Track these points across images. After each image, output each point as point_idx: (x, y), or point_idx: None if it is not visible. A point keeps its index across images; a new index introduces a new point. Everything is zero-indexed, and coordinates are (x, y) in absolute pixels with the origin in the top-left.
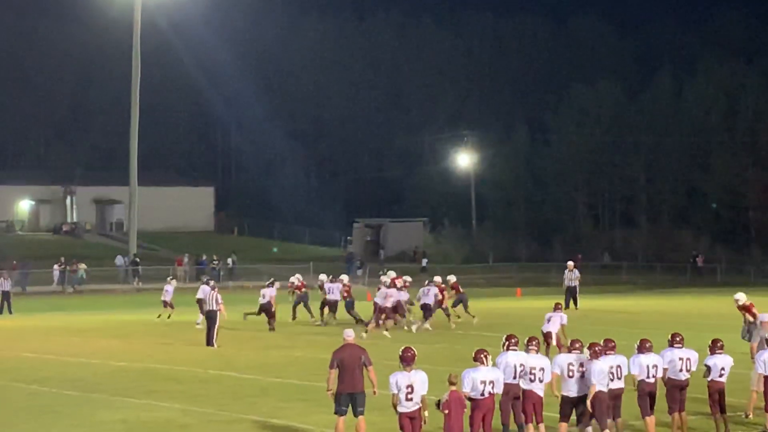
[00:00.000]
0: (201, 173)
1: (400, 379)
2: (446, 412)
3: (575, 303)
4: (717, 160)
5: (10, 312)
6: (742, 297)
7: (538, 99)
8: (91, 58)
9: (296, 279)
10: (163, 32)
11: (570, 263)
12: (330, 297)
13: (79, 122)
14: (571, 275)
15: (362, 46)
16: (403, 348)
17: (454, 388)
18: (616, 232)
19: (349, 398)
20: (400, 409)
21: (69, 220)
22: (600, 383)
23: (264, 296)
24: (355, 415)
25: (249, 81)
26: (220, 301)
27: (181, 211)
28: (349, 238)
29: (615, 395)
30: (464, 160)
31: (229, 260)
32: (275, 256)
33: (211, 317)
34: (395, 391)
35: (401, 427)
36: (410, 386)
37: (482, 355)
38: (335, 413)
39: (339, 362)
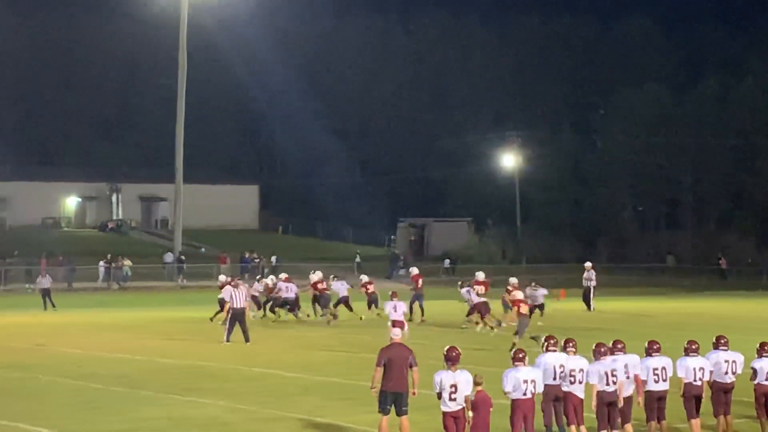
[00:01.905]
0: (246, 171)
1: (445, 378)
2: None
3: (588, 304)
4: (763, 163)
5: (53, 306)
6: None
7: (584, 100)
8: (137, 56)
9: (316, 276)
10: (209, 30)
11: (587, 264)
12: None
13: (125, 120)
14: (588, 275)
15: (408, 46)
16: (448, 347)
17: (480, 388)
18: (661, 234)
19: (393, 397)
20: (443, 408)
21: (114, 217)
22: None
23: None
24: (399, 414)
25: (294, 79)
26: (247, 298)
27: (226, 209)
28: (393, 237)
29: (660, 397)
30: (509, 160)
31: (273, 258)
32: (319, 255)
33: (236, 315)
34: (438, 390)
35: (445, 427)
36: (454, 386)
37: (521, 355)
38: (379, 412)
39: (387, 360)
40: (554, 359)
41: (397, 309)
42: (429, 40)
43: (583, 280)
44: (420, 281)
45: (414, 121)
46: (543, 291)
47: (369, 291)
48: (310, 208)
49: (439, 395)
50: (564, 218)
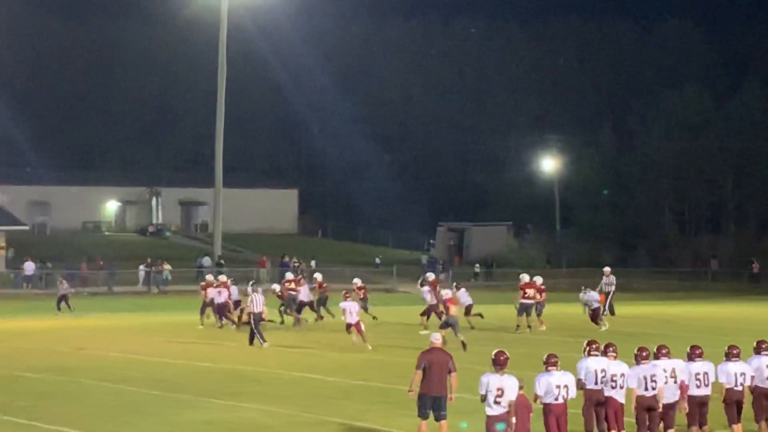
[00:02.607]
0: (285, 176)
1: (492, 380)
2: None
3: (611, 310)
4: None
5: (70, 309)
6: None
7: (624, 103)
8: (177, 60)
9: (319, 276)
10: (249, 34)
11: (606, 269)
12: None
13: (165, 124)
14: (607, 281)
15: (447, 50)
16: (496, 351)
17: (521, 392)
18: (702, 238)
19: (432, 401)
20: (488, 411)
21: (154, 221)
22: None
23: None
24: (437, 419)
25: (334, 83)
26: (263, 303)
27: (265, 213)
28: (432, 241)
29: (702, 402)
30: (548, 164)
31: (312, 262)
32: (357, 259)
33: (256, 319)
34: (483, 392)
35: (488, 430)
36: (501, 389)
37: (554, 360)
38: (418, 416)
39: (427, 364)
40: (596, 364)
41: (352, 312)
42: (468, 43)
43: (603, 286)
44: (438, 287)
45: (453, 125)
46: (594, 295)
47: (362, 296)
48: (350, 212)
49: (483, 398)
50: (604, 222)
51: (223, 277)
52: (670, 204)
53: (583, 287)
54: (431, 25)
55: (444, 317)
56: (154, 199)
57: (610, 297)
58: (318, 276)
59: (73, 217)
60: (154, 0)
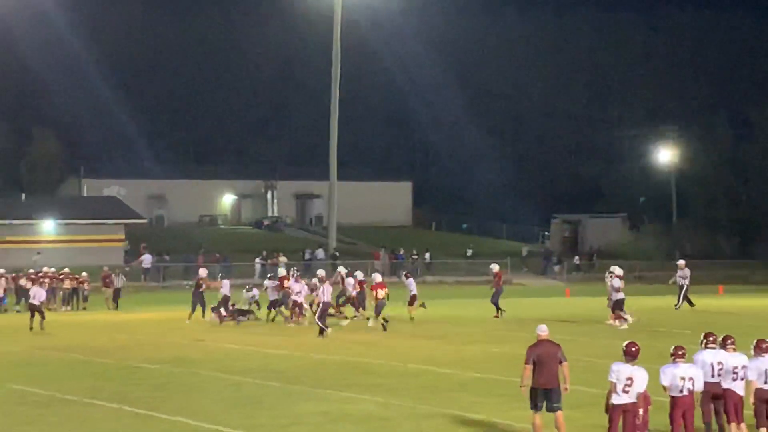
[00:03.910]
0: (399, 168)
1: (623, 369)
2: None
3: (689, 301)
4: None
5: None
6: None
7: (741, 93)
8: (292, 55)
9: (341, 270)
10: (363, 28)
11: (681, 262)
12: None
13: (280, 118)
14: (682, 273)
15: (561, 43)
16: (627, 342)
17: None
18: None
19: (544, 394)
20: (614, 400)
21: (270, 214)
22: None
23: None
24: (551, 410)
25: (447, 77)
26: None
27: (379, 206)
28: (546, 234)
29: None
30: (664, 155)
31: (426, 255)
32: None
33: (324, 309)
34: (614, 380)
35: (610, 419)
36: (630, 379)
37: (680, 352)
38: (531, 409)
39: (536, 358)
40: (712, 356)
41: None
42: (581, 36)
43: (678, 279)
44: (500, 278)
45: (568, 117)
46: (616, 283)
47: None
48: (464, 204)
49: (613, 386)
50: (722, 213)
51: (282, 271)
52: None
53: (608, 272)
54: (544, 17)
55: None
56: (269, 192)
57: (685, 290)
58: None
59: (189, 210)
60: None
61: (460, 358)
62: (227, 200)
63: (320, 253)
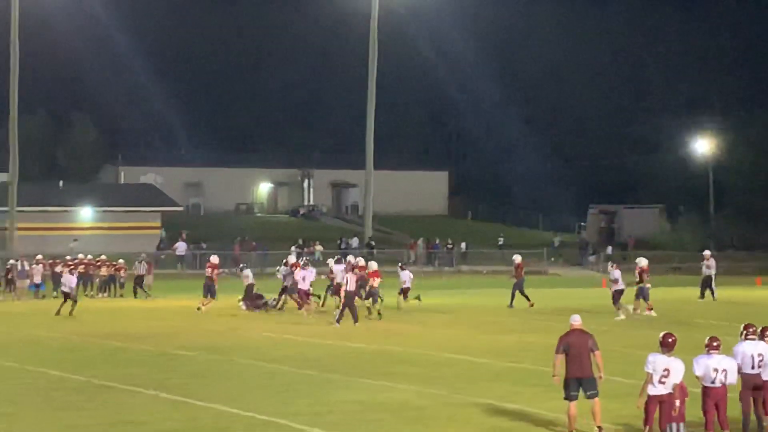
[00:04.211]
0: (436, 158)
1: (659, 360)
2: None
3: (703, 292)
4: None
5: (145, 293)
6: None
7: None
8: (328, 43)
9: (353, 259)
10: (400, 16)
11: (706, 252)
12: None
13: (316, 106)
14: (708, 264)
15: (600, 32)
16: (664, 333)
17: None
18: None
19: (578, 383)
20: (650, 391)
21: (306, 202)
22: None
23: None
24: (588, 397)
25: (485, 65)
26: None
27: (416, 195)
28: (583, 224)
29: None
30: (702, 145)
31: (463, 245)
32: (507, 242)
33: (349, 297)
34: (650, 371)
35: (646, 410)
36: (667, 370)
37: (715, 343)
38: (565, 399)
39: (566, 347)
40: (752, 348)
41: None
42: (621, 24)
43: (704, 269)
44: (521, 270)
45: (606, 106)
46: (616, 273)
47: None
48: (500, 194)
49: (649, 377)
50: (760, 205)
51: (292, 258)
52: None
53: (611, 263)
54: (583, 5)
55: (368, 288)
56: (305, 180)
57: (711, 280)
58: (351, 258)
59: (225, 198)
60: None
61: (495, 347)
62: (263, 188)
63: (355, 241)
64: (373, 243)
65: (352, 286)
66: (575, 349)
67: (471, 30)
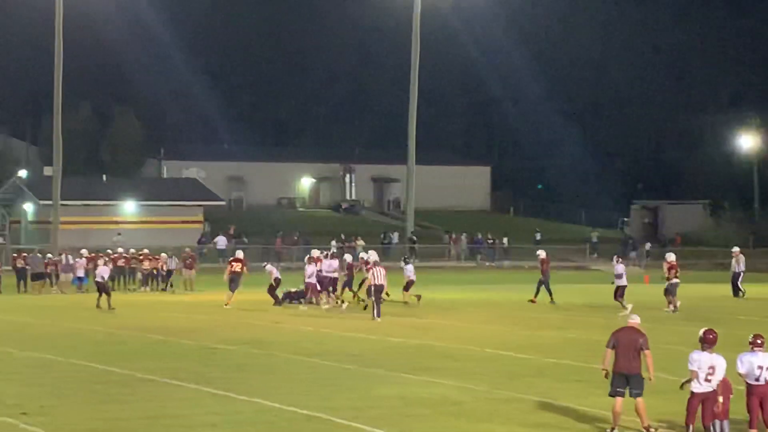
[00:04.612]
0: (478, 152)
1: (704, 358)
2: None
3: (735, 290)
4: None
5: (171, 286)
6: None
7: None
8: (370, 38)
9: (366, 255)
10: (442, 11)
11: (735, 249)
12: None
13: (358, 101)
14: (736, 260)
15: (642, 26)
16: (705, 330)
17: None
18: None
19: (624, 379)
20: (695, 389)
21: (348, 197)
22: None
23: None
24: (632, 395)
25: (527, 60)
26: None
27: (458, 190)
28: (626, 219)
29: None
30: (747, 141)
31: (504, 240)
32: (549, 237)
33: (377, 291)
34: (695, 369)
35: (689, 408)
36: (712, 367)
37: (759, 341)
38: (610, 395)
39: (615, 342)
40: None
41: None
42: (664, 20)
43: (733, 266)
44: (546, 265)
45: (649, 101)
46: (619, 268)
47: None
48: (543, 189)
49: (695, 376)
50: None
51: (316, 252)
52: None
53: (615, 256)
54: (626, 1)
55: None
56: (347, 175)
57: (740, 278)
58: (348, 257)
59: (267, 192)
60: None
61: (536, 343)
62: (305, 183)
63: (395, 237)
64: (415, 238)
65: (380, 280)
66: (623, 345)
67: (513, 25)
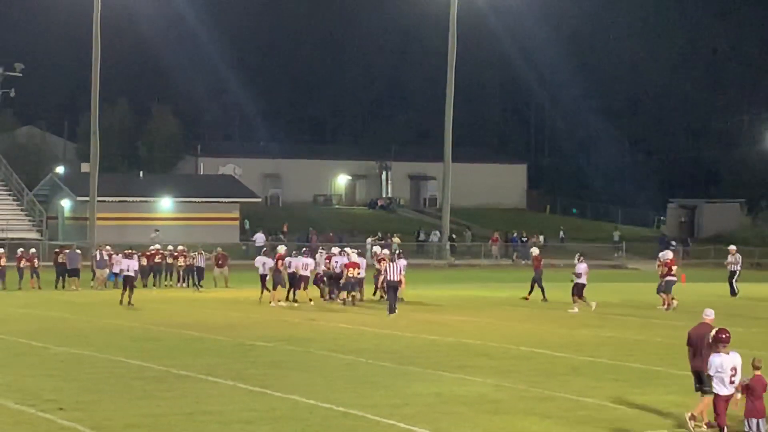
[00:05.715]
0: (514, 150)
1: (725, 361)
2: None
3: (732, 289)
4: None
5: (197, 285)
6: None
7: None
8: (407, 36)
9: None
10: (479, 9)
11: (732, 247)
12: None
13: (395, 99)
14: (733, 259)
15: (681, 25)
16: (717, 329)
17: (758, 372)
18: None
19: (698, 376)
20: (721, 391)
21: (384, 195)
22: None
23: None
24: (697, 390)
25: (564, 59)
26: (402, 272)
27: (494, 188)
28: (662, 218)
29: None
30: None
31: (541, 238)
32: (585, 235)
33: (392, 286)
34: (716, 372)
35: (718, 411)
36: (735, 368)
37: None
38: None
39: (689, 339)
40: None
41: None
42: (703, 18)
43: (729, 264)
44: (539, 263)
45: (686, 100)
46: (581, 267)
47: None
48: (578, 187)
49: (711, 378)
50: None
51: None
52: None
53: (578, 254)
54: None
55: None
56: (383, 173)
57: (735, 276)
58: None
59: (304, 189)
60: None
61: (572, 341)
62: (341, 180)
63: (435, 236)
64: (454, 236)
65: (393, 276)
66: (693, 341)
67: (550, 23)
